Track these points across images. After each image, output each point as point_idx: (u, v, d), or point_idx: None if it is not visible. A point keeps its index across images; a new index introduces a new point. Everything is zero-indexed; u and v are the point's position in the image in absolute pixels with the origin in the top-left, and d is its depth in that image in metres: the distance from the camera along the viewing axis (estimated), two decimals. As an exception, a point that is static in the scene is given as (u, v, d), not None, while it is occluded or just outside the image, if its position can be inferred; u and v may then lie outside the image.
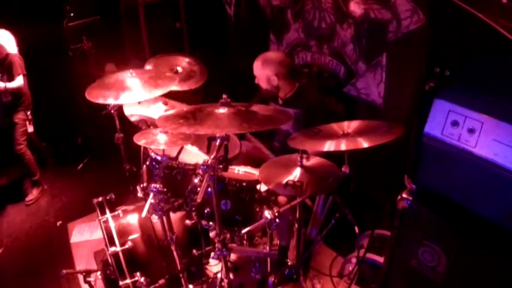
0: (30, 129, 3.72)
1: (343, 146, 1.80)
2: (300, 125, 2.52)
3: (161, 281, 2.18)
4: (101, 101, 2.22)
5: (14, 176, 4.00)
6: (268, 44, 3.56)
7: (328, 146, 1.83)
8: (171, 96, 2.71)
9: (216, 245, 1.82)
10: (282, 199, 2.32)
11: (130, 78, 2.33)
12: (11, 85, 3.44)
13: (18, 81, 3.47)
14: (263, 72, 2.64)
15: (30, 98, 3.67)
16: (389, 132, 1.81)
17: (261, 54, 2.69)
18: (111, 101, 2.29)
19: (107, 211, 2.41)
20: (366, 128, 1.91)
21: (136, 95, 2.26)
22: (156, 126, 2.34)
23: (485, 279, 1.35)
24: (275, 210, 1.68)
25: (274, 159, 2.17)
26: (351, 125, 1.96)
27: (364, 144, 1.76)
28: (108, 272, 2.28)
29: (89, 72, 3.89)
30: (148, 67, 2.77)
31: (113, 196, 2.50)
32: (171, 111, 1.99)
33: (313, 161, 2.06)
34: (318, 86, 3.11)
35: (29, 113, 3.68)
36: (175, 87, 2.47)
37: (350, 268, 2.35)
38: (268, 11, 3.48)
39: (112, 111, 2.55)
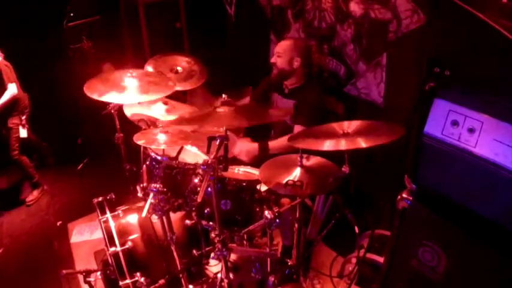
0: (24, 134, 3.58)
1: (343, 146, 1.80)
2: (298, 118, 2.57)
3: (161, 281, 2.19)
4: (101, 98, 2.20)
5: (15, 176, 3.99)
6: (268, 44, 3.55)
7: (328, 145, 1.83)
8: (171, 96, 2.71)
9: (216, 245, 1.82)
10: (284, 201, 2.32)
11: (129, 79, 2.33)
12: (4, 98, 3.27)
13: (11, 90, 3.30)
14: (289, 51, 2.67)
15: (26, 101, 3.58)
16: (389, 132, 1.81)
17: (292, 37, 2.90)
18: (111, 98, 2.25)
19: (107, 211, 2.40)
20: (366, 128, 1.91)
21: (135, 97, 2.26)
22: (156, 126, 2.34)
23: (485, 279, 1.35)
24: (275, 210, 1.68)
25: (274, 158, 2.16)
26: (351, 125, 1.95)
27: (364, 144, 1.76)
28: (108, 272, 2.28)
29: (89, 72, 3.88)
30: (148, 67, 2.76)
31: (113, 196, 2.49)
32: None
33: (313, 160, 2.05)
34: (323, 88, 3.09)
35: (23, 117, 3.55)
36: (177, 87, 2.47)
37: (350, 268, 2.35)
38: (268, 11, 3.48)
39: (112, 111, 2.55)
